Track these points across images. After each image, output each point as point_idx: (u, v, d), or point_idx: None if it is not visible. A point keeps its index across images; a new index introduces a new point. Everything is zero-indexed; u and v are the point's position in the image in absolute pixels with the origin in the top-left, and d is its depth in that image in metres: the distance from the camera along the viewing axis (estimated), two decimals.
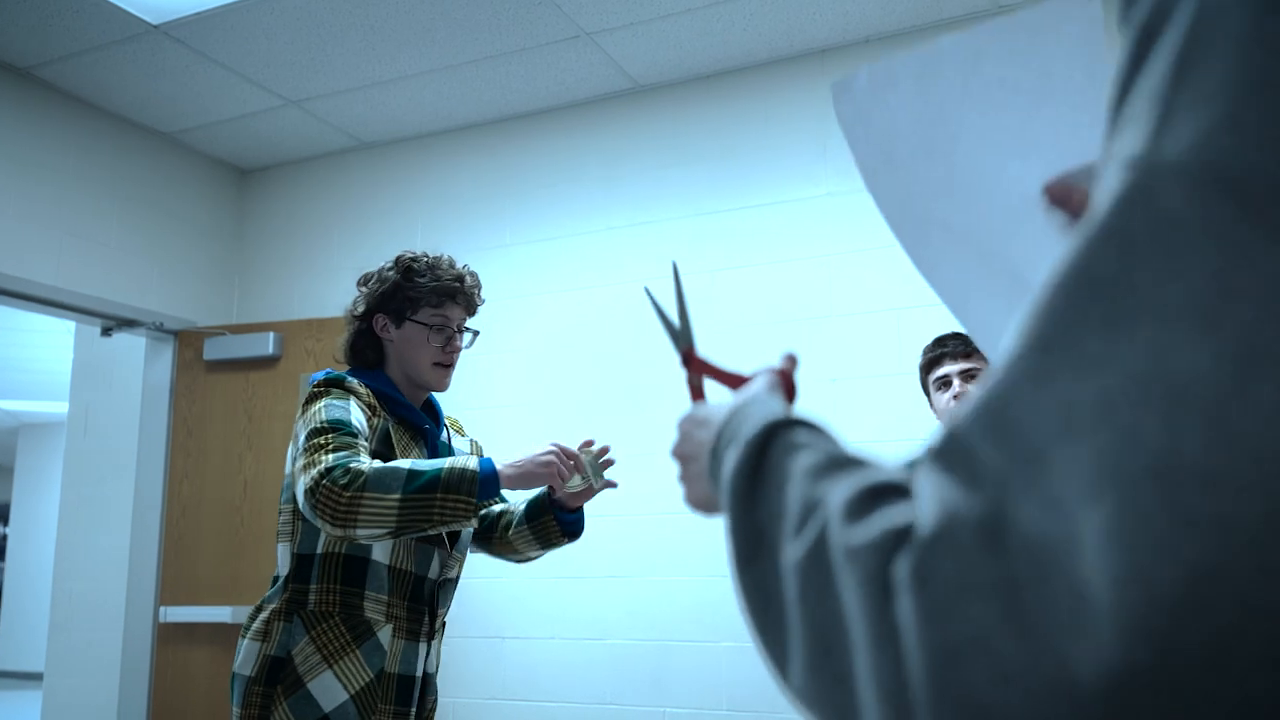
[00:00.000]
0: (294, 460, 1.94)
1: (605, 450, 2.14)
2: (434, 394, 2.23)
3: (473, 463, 1.85)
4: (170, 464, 4.29)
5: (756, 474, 0.55)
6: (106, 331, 4.33)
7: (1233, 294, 0.36)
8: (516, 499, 2.31)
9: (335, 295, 3.96)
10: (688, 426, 0.77)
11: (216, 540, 4.13)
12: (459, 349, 2.15)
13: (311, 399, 1.97)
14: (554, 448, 1.96)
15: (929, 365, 2.64)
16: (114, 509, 4.50)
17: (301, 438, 1.92)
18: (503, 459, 1.95)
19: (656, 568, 3.60)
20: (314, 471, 1.81)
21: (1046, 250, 0.75)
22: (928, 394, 2.65)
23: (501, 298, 4.08)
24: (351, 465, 1.81)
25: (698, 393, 0.98)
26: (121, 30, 3.56)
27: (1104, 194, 0.40)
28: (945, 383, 2.55)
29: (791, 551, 0.48)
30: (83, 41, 3.64)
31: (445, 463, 1.84)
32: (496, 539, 2.24)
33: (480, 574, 3.83)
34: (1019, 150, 0.81)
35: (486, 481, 1.85)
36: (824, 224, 3.61)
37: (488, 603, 3.87)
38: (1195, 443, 0.35)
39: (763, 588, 0.51)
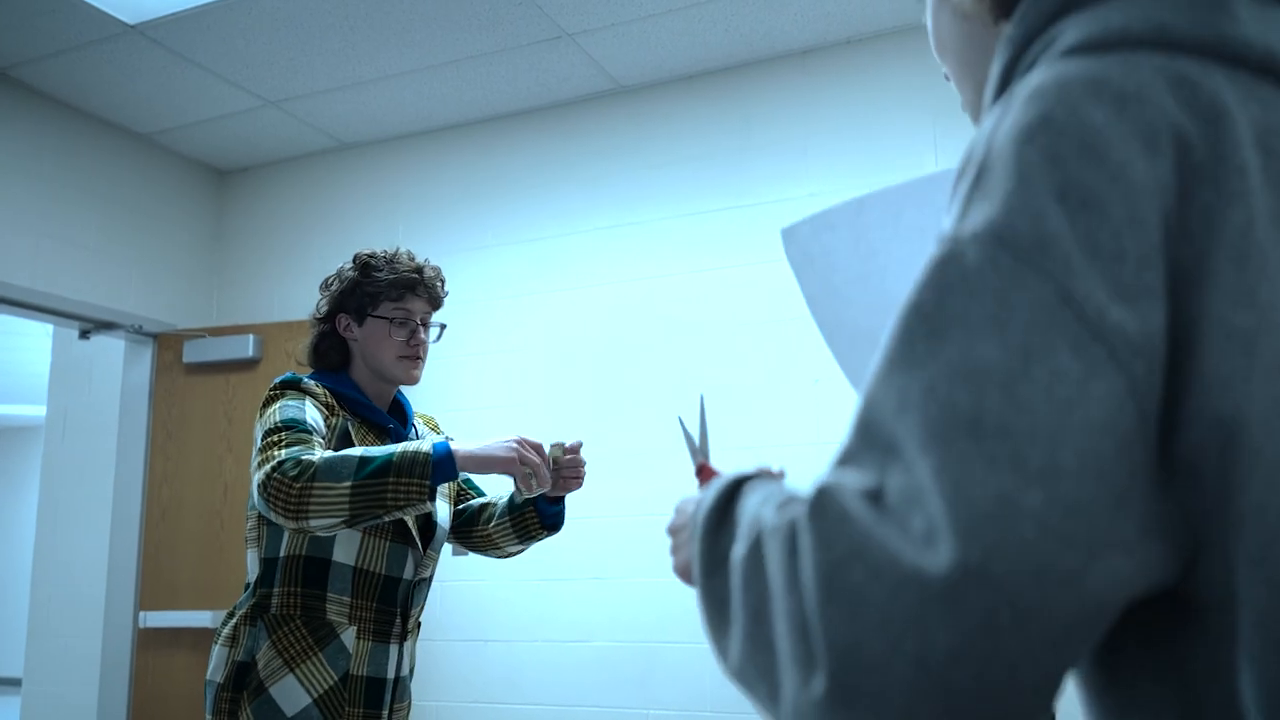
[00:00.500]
0: (254, 455, 1.93)
1: (576, 449, 2.09)
2: (403, 394, 2.21)
3: (426, 445, 1.82)
4: (150, 467, 4.26)
5: (724, 513, 0.67)
6: (84, 334, 4.30)
7: (1012, 307, 0.53)
8: (498, 492, 2.30)
9: (315, 297, 3.92)
10: (683, 505, 0.88)
11: (196, 544, 4.10)
12: (423, 342, 2.12)
13: (267, 402, 1.97)
14: (516, 440, 1.91)
15: None
16: (93, 513, 4.46)
17: (258, 437, 1.92)
18: (464, 442, 1.92)
19: (640, 570, 3.60)
20: (266, 466, 1.80)
21: None
22: None
23: (483, 299, 4.06)
24: (303, 457, 1.79)
25: None
26: (98, 30, 3.53)
27: (925, 264, 0.58)
28: None
29: (737, 551, 0.61)
30: (59, 42, 3.61)
31: (398, 446, 1.82)
32: (477, 532, 2.21)
33: (463, 576, 3.82)
34: None
35: (440, 463, 1.81)
36: None
37: (470, 605, 3.86)
38: (994, 406, 0.51)
39: (717, 594, 0.63)
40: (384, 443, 2.07)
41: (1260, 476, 0.53)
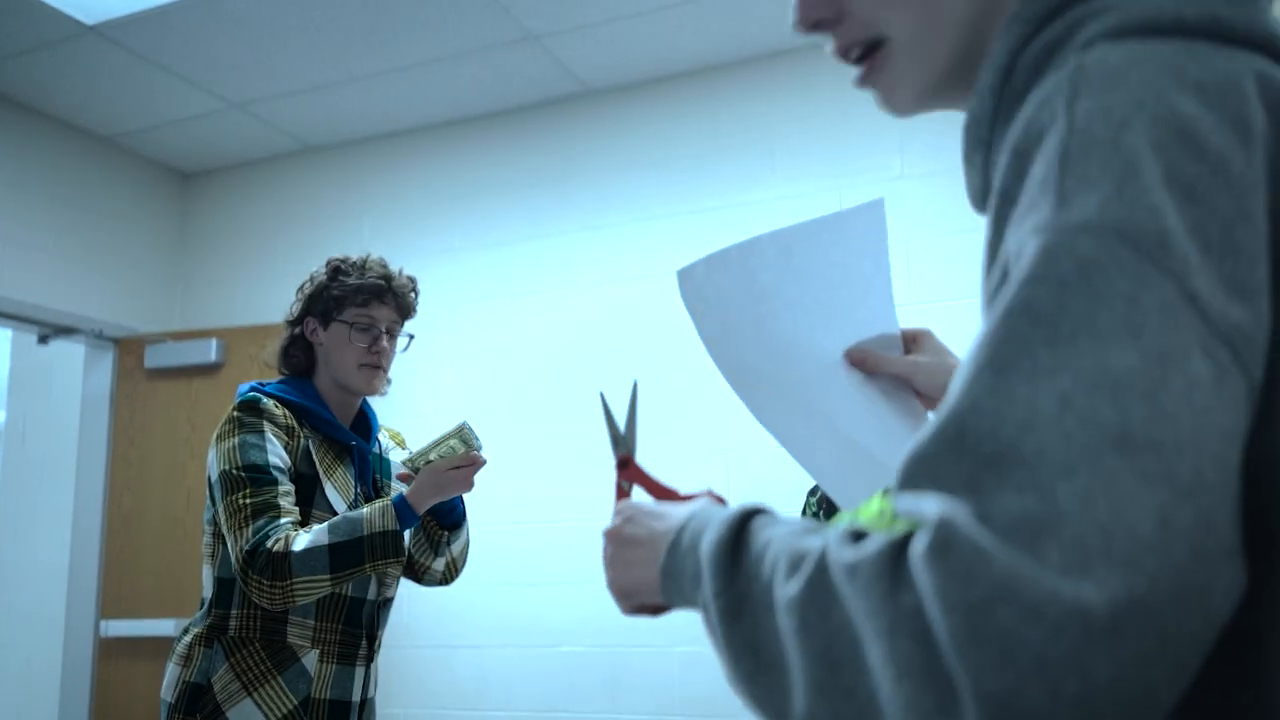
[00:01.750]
0: (213, 498, 1.91)
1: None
2: (370, 406, 2.18)
3: (390, 518, 1.86)
4: (111, 474, 4.20)
5: (736, 547, 0.62)
6: (43, 339, 4.23)
7: (1144, 309, 0.49)
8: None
9: (280, 301, 3.89)
10: (638, 516, 0.83)
11: (159, 552, 4.04)
12: (384, 350, 2.09)
13: (227, 426, 1.94)
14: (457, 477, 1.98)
15: None
16: (52, 520, 4.39)
17: (216, 481, 1.90)
18: (408, 489, 1.95)
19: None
20: (237, 551, 1.83)
21: (851, 400, 1.03)
22: None
23: (450, 303, 4.04)
24: (273, 548, 1.79)
25: (623, 494, 1.11)
26: (55, 31, 3.48)
27: (1025, 256, 0.53)
28: None
29: (785, 592, 0.55)
30: (16, 42, 3.55)
31: (364, 527, 1.84)
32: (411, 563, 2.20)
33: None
34: (824, 323, 1.05)
35: (405, 525, 1.89)
36: (773, 227, 3.61)
37: (438, 612, 3.83)
38: (1140, 419, 0.47)
39: (750, 640, 0.58)
40: (344, 461, 2.04)
41: None
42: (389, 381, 2.19)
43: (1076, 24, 0.61)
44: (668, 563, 0.71)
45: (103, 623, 4.05)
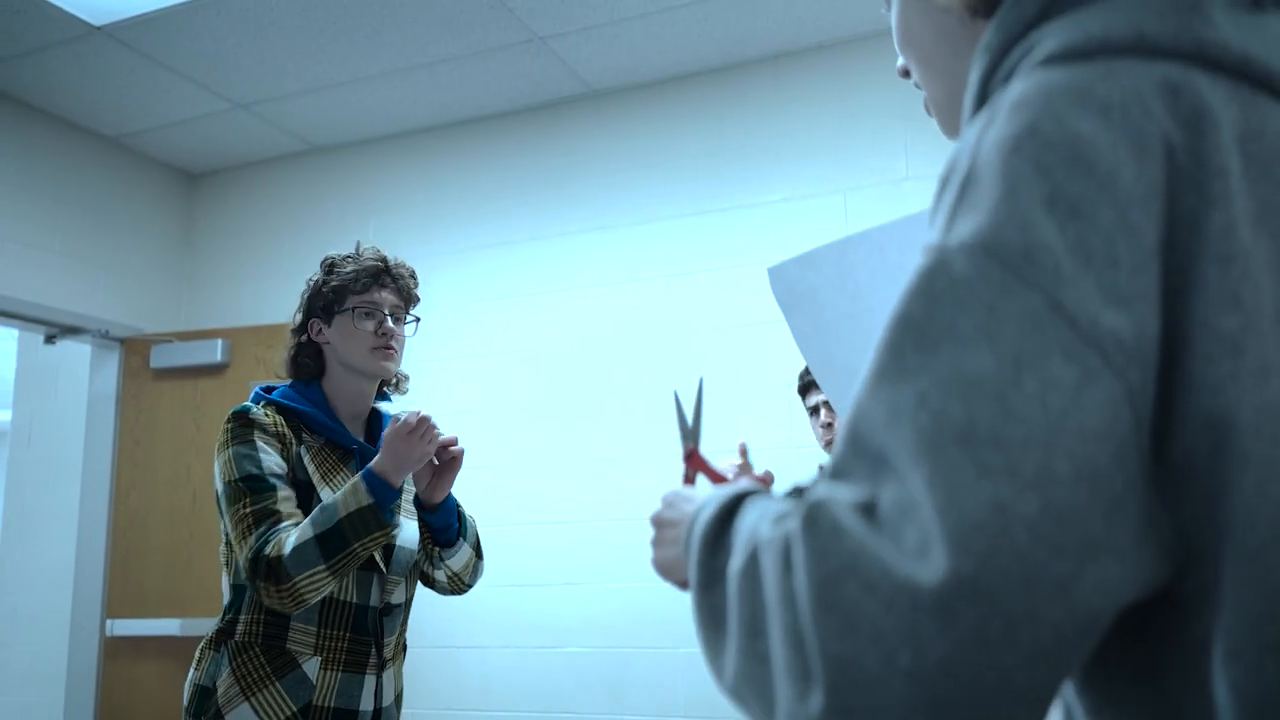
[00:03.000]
0: (220, 510, 1.92)
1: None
2: (384, 410, 2.14)
3: (362, 493, 1.83)
4: (117, 474, 4.21)
5: (722, 527, 0.68)
6: (50, 339, 4.24)
7: (1002, 317, 0.54)
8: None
9: (285, 302, 3.90)
10: (675, 500, 0.89)
11: (165, 551, 4.05)
12: (393, 332, 2.03)
13: (221, 440, 1.94)
14: (402, 435, 1.88)
15: (802, 391, 2.88)
16: (59, 520, 4.40)
17: (220, 494, 1.91)
18: (379, 461, 1.89)
19: (612, 575, 3.58)
20: (243, 561, 1.84)
21: None
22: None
23: (456, 304, 4.04)
24: (270, 554, 1.80)
25: (688, 483, 1.14)
26: (63, 31, 3.49)
27: (912, 275, 0.58)
28: (815, 410, 2.80)
29: (733, 565, 0.61)
30: (24, 43, 3.56)
31: (339, 509, 1.82)
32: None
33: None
34: None
35: (382, 497, 1.85)
36: (778, 229, 3.61)
37: (442, 613, 3.83)
38: (987, 416, 0.52)
39: (713, 608, 0.64)
40: (346, 466, 2.01)
41: (1249, 480, 0.53)
42: (407, 377, 2.15)
43: (1028, 51, 0.65)
44: (685, 540, 0.76)
45: (108, 622, 4.05)
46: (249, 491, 1.86)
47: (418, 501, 2.06)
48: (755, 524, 0.62)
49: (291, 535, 1.82)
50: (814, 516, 0.54)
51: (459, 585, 2.16)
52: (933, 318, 0.55)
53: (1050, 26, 0.65)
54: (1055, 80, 0.60)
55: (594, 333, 3.82)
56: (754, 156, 3.72)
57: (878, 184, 3.49)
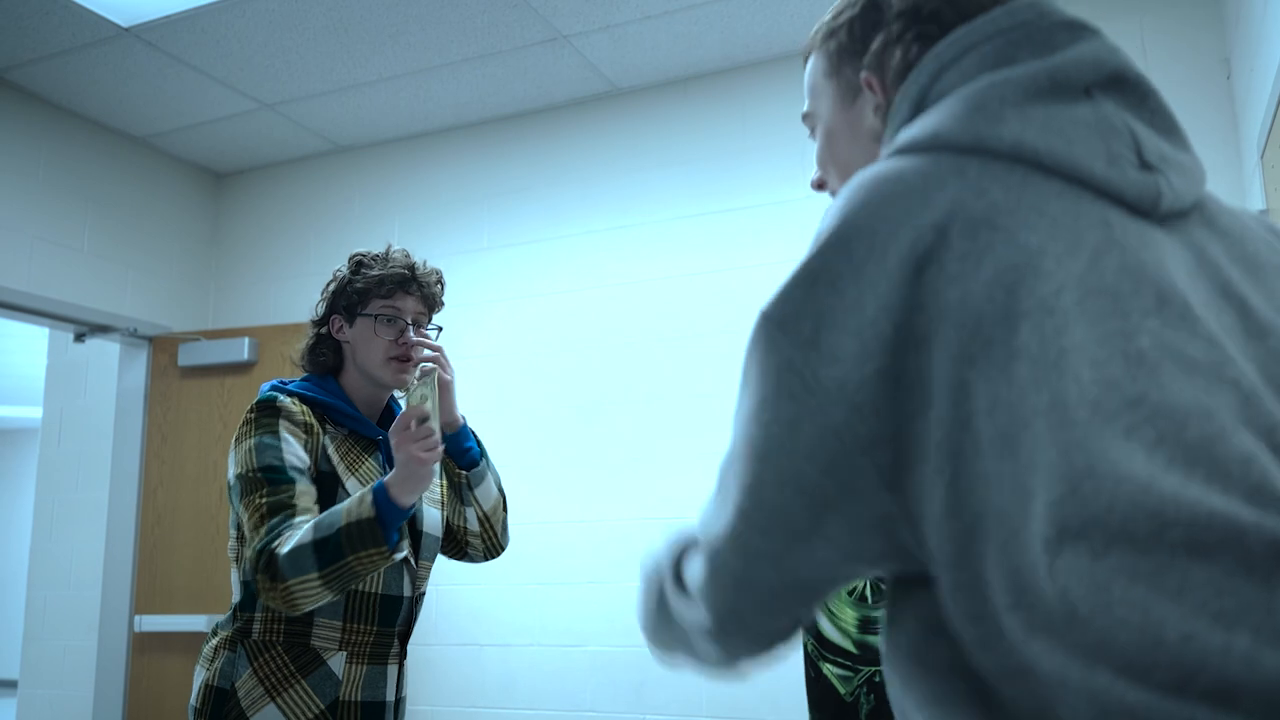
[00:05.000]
0: (232, 501, 1.88)
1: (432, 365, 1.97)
2: (396, 402, 2.12)
3: (366, 505, 1.73)
4: (145, 471, 4.25)
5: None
6: (80, 337, 4.29)
7: (761, 369, 0.75)
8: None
9: (311, 300, 3.92)
10: None
11: (191, 548, 4.09)
12: (411, 342, 2.00)
13: (243, 429, 1.90)
14: (402, 443, 1.77)
15: None
16: (88, 516, 4.45)
17: (234, 483, 1.86)
18: (393, 481, 1.79)
19: (636, 574, 3.59)
20: (249, 550, 1.78)
21: None
22: None
23: (479, 302, 4.06)
24: (276, 549, 1.74)
25: None
26: (92, 33, 3.52)
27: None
28: None
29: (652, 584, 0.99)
30: (53, 45, 3.60)
31: (342, 517, 1.73)
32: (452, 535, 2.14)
33: (458, 581, 3.81)
34: None
35: (387, 515, 1.73)
36: (801, 227, 3.60)
37: (466, 611, 3.85)
38: (739, 441, 0.77)
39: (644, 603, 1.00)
40: (370, 456, 1.99)
41: (962, 487, 0.68)
42: None
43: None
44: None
45: (137, 618, 4.10)
46: (266, 482, 1.81)
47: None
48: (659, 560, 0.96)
49: (293, 537, 1.76)
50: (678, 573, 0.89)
51: (491, 537, 2.12)
52: (744, 367, 0.78)
53: (904, 129, 0.84)
54: (870, 173, 0.77)
55: (618, 331, 3.82)
56: (778, 153, 3.71)
57: None
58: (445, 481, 2.12)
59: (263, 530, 1.77)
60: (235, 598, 1.94)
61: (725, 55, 3.75)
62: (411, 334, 2.02)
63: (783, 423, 0.72)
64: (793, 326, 0.73)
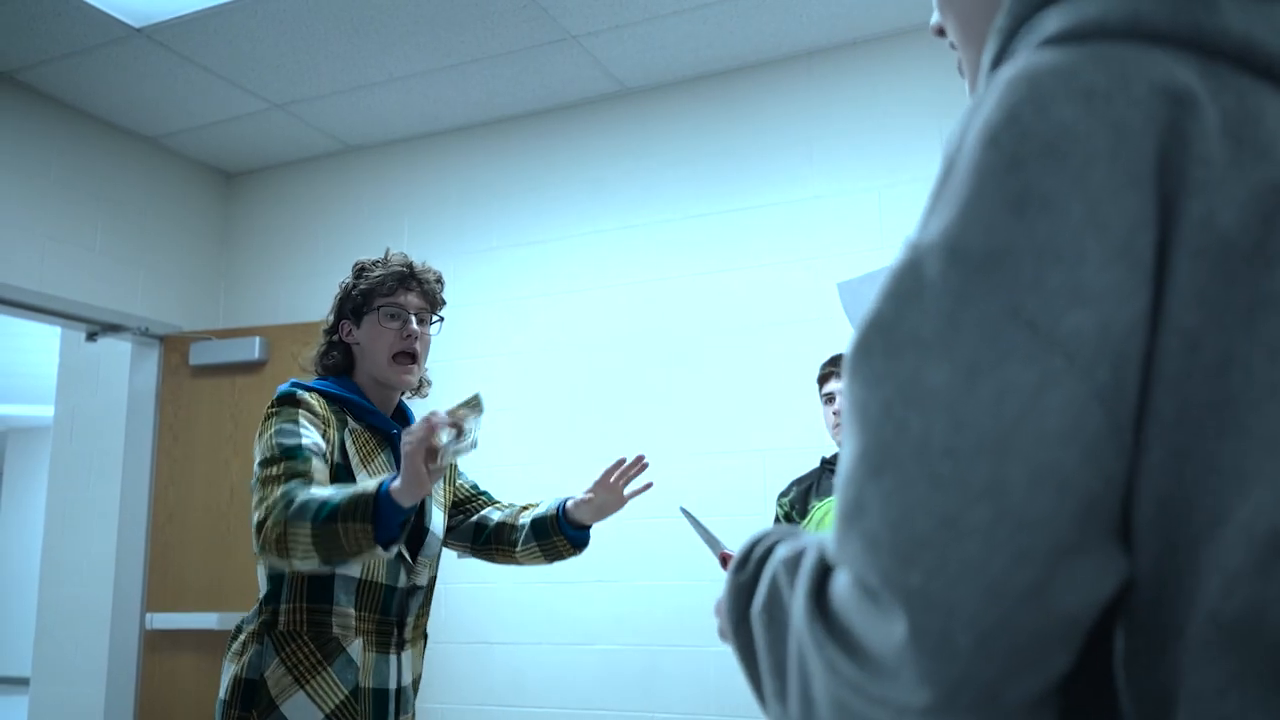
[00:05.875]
0: (254, 480, 1.93)
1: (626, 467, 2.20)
2: (407, 405, 2.20)
3: (371, 487, 1.76)
4: (156, 469, 4.27)
5: (743, 564, 0.71)
6: (91, 336, 4.31)
7: (960, 324, 0.54)
8: (507, 496, 2.33)
9: (321, 299, 3.94)
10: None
11: (203, 546, 4.10)
12: (417, 334, 2.10)
13: (265, 420, 1.97)
14: (412, 451, 1.76)
15: (821, 380, 2.97)
16: (100, 514, 4.47)
17: (257, 468, 1.91)
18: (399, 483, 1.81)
19: (644, 572, 3.59)
20: (262, 506, 1.82)
21: None
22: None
23: (489, 302, 4.07)
24: (291, 495, 1.79)
25: None
26: (104, 34, 3.54)
27: (890, 267, 0.59)
28: (830, 398, 2.90)
29: (756, 603, 0.66)
30: (65, 45, 3.62)
31: (352, 489, 1.77)
32: (497, 551, 2.24)
33: (467, 579, 3.82)
34: None
35: (385, 504, 1.75)
36: (811, 226, 3.60)
37: (475, 608, 3.86)
38: (939, 428, 0.53)
39: (742, 646, 0.69)
40: (383, 451, 2.07)
41: (1189, 474, 0.54)
42: (429, 384, 2.21)
43: (1032, 31, 0.65)
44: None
45: (148, 616, 4.11)
46: (284, 458, 1.87)
47: (566, 516, 2.18)
48: (763, 565, 0.68)
49: (314, 489, 1.82)
50: (821, 614, 0.57)
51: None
52: (899, 322, 0.56)
53: (1054, 9, 0.64)
54: (1044, 63, 0.59)
55: (627, 329, 3.83)
56: (787, 153, 3.71)
57: (912, 181, 3.47)
58: (449, 486, 2.23)
59: (276, 489, 1.83)
60: (261, 591, 1.99)
61: (734, 55, 3.75)
62: (415, 326, 2.11)
63: (1022, 396, 0.52)
64: (1007, 265, 0.54)
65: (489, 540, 2.24)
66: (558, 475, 3.80)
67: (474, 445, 1.83)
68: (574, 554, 2.24)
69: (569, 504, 2.20)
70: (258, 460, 1.93)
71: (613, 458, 3.71)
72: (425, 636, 2.14)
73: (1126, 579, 0.55)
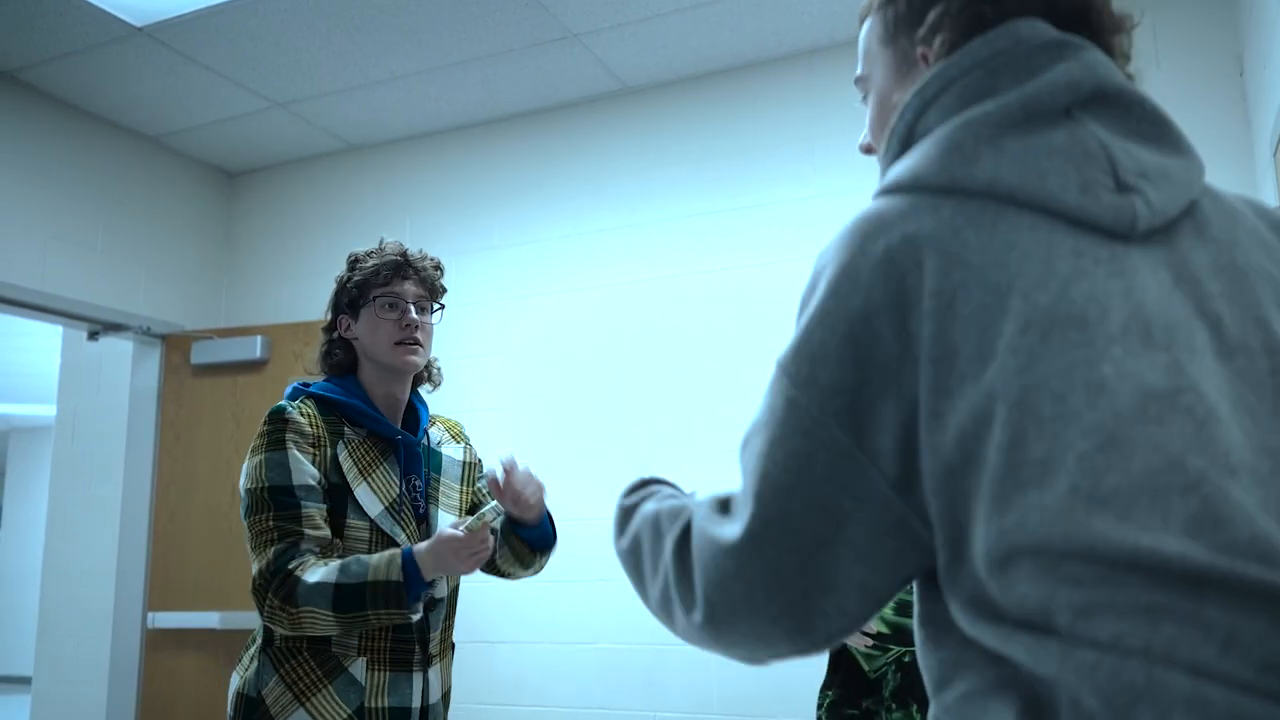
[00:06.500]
0: (243, 512, 1.91)
1: (510, 469, 2.05)
2: (420, 399, 2.15)
3: (396, 569, 1.80)
4: (158, 469, 4.27)
5: (630, 508, 1.08)
6: (93, 335, 4.31)
7: (773, 409, 0.81)
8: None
9: (323, 298, 3.92)
10: None
11: (204, 546, 4.10)
12: (416, 322, 2.03)
13: (256, 441, 1.93)
14: (455, 546, 1.85)
15: None
16: (102, 513, 4.47)
17: (244, 496, 1.90)
18: (423, 553, 1.86)
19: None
20: (256, 571, 1.82)
21: None
22: None
23: (490, 300, 4.06)
24: (294, 570, 1.79)
25: None
26: (105, 33, 3.54)
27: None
28: None
29: (642, 530, 1.01)
30: (66, 44, 3.62)
31: (369, 572, 1.80)
32: (491, 564, 2.20)
33: (469, 578, 3.81)
34: None
35: (413, 582, 1.82)
36: (812, 224, 3.60)
37: (477, 607, 3.85)
38: (753, 477, 0.81)
39: (627, 553, 1.05)
40: (387, 458, 2.01)
41: (957, 497, 0.75)
42: (441, 375, 2.17)
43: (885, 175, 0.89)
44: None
45: (150, 615, 4.11)
46: (274, 505, 1.84)
47: (512, 519, 2.09)
48: (655, 511, 0.97)
49: (318, 569, 1.80)
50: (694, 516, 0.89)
51: (538, 570, 2.25)
52: (758, 411, 0.83)
53: (894, 165, 0.87)
54: (862, 213, 0.83)
55: (629, 329, 3.82)
56: (788, 151, 3.71)
57: None
58: (466, 487, 2.16)
59: (269, 553, 1.82)
60: None
61: (736, 53, 3.74)
62: (414, 315, 2.04)
63: (800, 458, 0.78)
64: (792, 367, 0.80)
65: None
66: (558, 474, 3.79)
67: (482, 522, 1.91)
68: (537, 556, 2.16)
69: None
70: (245, 487, 1.89)
71: (612, 456, 3.73)
72: (453, 647, 2.10)
73: (923, 565, 0.79)
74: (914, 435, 0.75)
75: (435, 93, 4.00)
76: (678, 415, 3.65)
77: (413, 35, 3.59)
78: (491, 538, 1.92)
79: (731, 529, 0.80)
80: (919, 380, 0.75)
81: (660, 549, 0.90)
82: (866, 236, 0.80)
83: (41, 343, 7.12)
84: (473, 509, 2.20)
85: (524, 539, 2.12)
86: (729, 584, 0.80)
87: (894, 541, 0.77)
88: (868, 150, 1.06)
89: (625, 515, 1.04)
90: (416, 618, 1.85)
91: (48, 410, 9.01)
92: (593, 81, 3.92)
